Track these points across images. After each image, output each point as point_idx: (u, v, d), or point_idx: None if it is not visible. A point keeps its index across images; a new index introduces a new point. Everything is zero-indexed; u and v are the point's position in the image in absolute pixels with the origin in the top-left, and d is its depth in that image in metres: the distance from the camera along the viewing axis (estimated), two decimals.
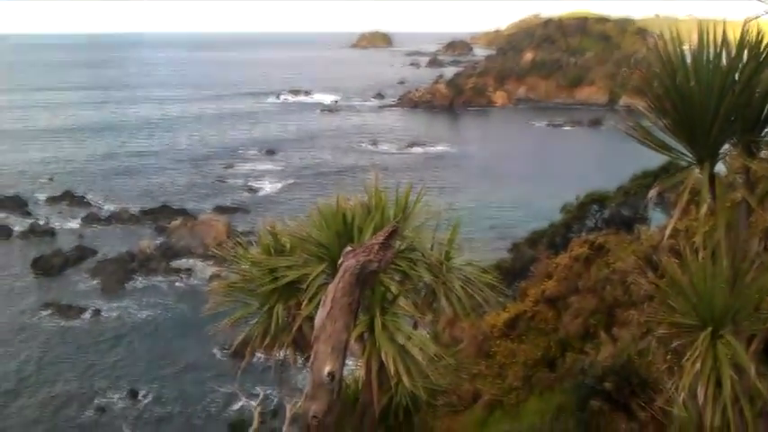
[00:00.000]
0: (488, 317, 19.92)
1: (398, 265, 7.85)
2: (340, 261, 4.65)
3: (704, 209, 6.21)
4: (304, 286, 7.56)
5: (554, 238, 30.97)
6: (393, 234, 4.68)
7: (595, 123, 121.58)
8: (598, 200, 31.19)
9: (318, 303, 6.79)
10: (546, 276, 20.88)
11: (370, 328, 7.33)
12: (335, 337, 4.38)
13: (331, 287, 4.55)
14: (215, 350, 43.54)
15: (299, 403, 4.58)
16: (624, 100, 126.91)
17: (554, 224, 32.86)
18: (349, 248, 4.69)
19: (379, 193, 8.29)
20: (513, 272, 28.75)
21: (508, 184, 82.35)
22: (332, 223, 7.81)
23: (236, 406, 35.84)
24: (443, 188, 73.22)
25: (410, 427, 11.26)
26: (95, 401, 39.90)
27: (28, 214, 72.50)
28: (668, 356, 6.64)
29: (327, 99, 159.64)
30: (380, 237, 4.58)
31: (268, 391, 24.55)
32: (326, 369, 4.36)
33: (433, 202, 9.02)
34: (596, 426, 10.40)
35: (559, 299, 18.65)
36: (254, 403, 21.35)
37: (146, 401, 40.37)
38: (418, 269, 8.16)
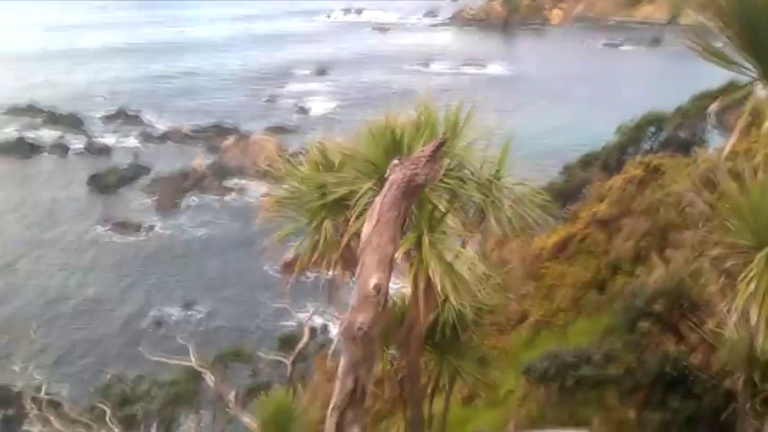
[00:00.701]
0: (538, 238, 19.80)
1: (447, 183, 7.76)
2: (387, 174, 4.60)
3: (765, 127, 5.97)
4: (352, 203, 7.54)
5: (608, 161, 30.40)
6: (440, 147, 4.60)
7: (655, 43, 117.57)
8: (655, 121, 30.41)
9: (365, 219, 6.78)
10: (598, 199, 20.59)
11: (418, 245, 7.30)
12: (381, 250, 4.36)
13: (377, 200, 4.52)
14: (267, 267, 44.33)
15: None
16: (685, 18, 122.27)
17: (608, 146, 32.21)
18: (396, 162, 4.63)
19: (429, 110, 8.15)
20: (564, 194, 28.41)
21: (563, 106, 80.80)
22: (381, 140, 7.72)
23: (288, 321, 36.64)
24: (496, 109, 72.15)
25: (456, 345, 11.35)
26: (151, 315, 41.22)
27: (83, 132, 73.70)
28: (721, 278, 6.51)
29: (379, 17, 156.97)
30: (428, 150, 4.50)
31: (319, 308, 24.95)
32: (372, 281, 4.36)
33: (484, 121, 8.84)
34: (644, 347, 10.36)
35: (611, 221, 18.40)
36: (304, 318, 21.79)
37: (200, 315, 41.58)
38: (467, 187, 8.04)
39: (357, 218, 7.35)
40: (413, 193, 4.50)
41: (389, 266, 4.44)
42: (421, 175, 4.44)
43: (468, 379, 11.56)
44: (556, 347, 11.81)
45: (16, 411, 31.13)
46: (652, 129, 30.51)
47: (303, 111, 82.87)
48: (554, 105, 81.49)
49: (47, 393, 19.68)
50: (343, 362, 4.67)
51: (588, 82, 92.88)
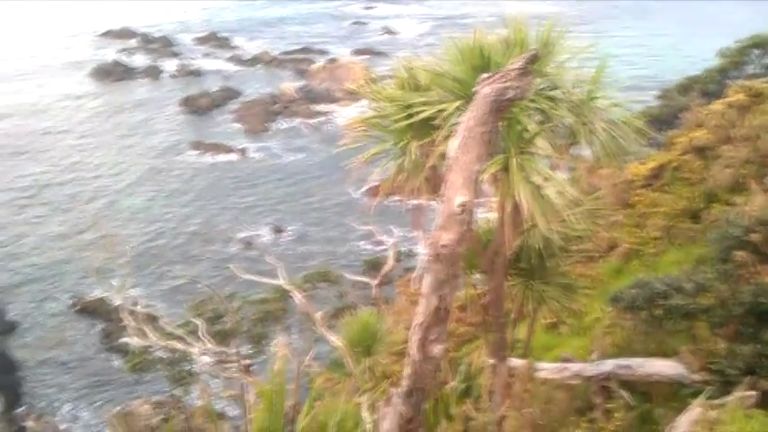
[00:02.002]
0: (631, 165, 19.23)
1: (537, 104, 7.50)
2: (475, 89, 4.43)
3: None
4: (439, 123, 7.38)
5: (708, 85, 29.07)
6: (531, 61, 4.39)
7: None
8: (760, 44, 28.79)
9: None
10: (696, 125, 19.76)
11: (506, 167, 7.11)
12: (468, 168, 4.25)
13: (465, 116, 4.38)
14: (354, 190, 44.74)
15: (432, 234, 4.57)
16: None
17: (709, 70, 30.76)
18: (485, 75, 4.45)
19: (519, 26, 7.84)
20: (660, 120, 27.45)
21: (663, 28, 77.38)
22: (469, 58, 7.48)
23: (373, 245, 37.04)
24: (592, 30, 69.54)
25: (542, 271, 11.19)
26: (241, 236, 42.26)
27: (175, 55, 74.85)
28: None
29: None
30: (518, 63, 4.31)
31: (403, 233, 25.11)
32: (458, 199, 4.26)
33: (578, 40, 8.47)
34: (738, 278, 10.00)
35: (709, 148, 17.67)
36: (390, 242, 21.95)
37: (289, 237, 42.39)
38: (558, 108, 7.76)
39: (443, 139, 7.20)
40: (502, 108, 4.34)
41: (475, 185, 4.32)
42: (511, 90, 4.27)
43: (553, 305, 11.43)
44: (645, 276, 11.50)
45: (115, 324, 32.81)
46: (757, 51, 28.93)
47: (391, 32, 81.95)
48: (654, 28, 78.11)
49: (143, 308, 20.52)
50: (427, 281, 4.63)
51: (692, 3, 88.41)
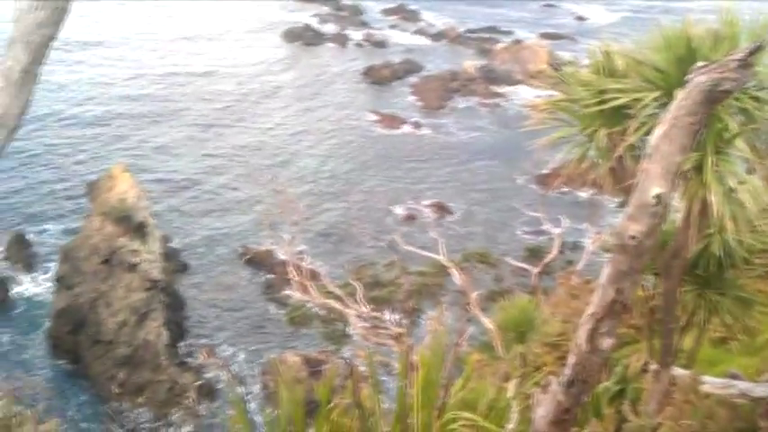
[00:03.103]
0: None
1: (741, 102, 7.03)
2: (688, 76, 4.19)
3: None
4: (632, 112, 7.07)
5: None
6: (756, 53, 4.09)
7: None
8: None
9: (645, 132, 6.37)
10: None
11: (699, 165, 6.74)
12: (669, 158, 4.04)
13: (674, 104, 4.16)
14: (524, 176, 44.15)
15: (618, 227, 4.38)
16: None
17: None
18: (701, 64, 4.20)
19: (732, 20, 7.36)
20: None
21: None
22: (673, 47, 7.10)
23: (538, 233, 36.42)
24: None
25: (719, 281, 10.57)
26: (405, 208, 42.80)
27: (363, 24, 76.40)
28: None
29: None
30: (739, 53, 4.03)
31: (571, 224, 24.48)
32: (654, 190, 4.07)
33: None
34: None
35: None
36: (556, 232, 21.47)
37: (452, 217, 42.51)
38: (764, 110, 7.25)
39: (635, 129, 6.90)
40: (715, 100, 4.08)
41: (675, 177, 4.11)
42: (728, 81, 4.00)
43: (726, 318, 10.78)
44: None
45: (278, 277, 34.25)
46: None
47: (580, 18, 79.85)
48: None
49: (308, 264, 21.18)
50: (607, 271, 4.47)
51: None
